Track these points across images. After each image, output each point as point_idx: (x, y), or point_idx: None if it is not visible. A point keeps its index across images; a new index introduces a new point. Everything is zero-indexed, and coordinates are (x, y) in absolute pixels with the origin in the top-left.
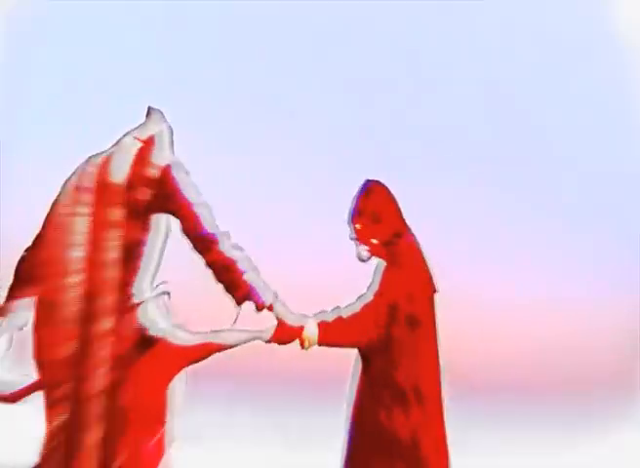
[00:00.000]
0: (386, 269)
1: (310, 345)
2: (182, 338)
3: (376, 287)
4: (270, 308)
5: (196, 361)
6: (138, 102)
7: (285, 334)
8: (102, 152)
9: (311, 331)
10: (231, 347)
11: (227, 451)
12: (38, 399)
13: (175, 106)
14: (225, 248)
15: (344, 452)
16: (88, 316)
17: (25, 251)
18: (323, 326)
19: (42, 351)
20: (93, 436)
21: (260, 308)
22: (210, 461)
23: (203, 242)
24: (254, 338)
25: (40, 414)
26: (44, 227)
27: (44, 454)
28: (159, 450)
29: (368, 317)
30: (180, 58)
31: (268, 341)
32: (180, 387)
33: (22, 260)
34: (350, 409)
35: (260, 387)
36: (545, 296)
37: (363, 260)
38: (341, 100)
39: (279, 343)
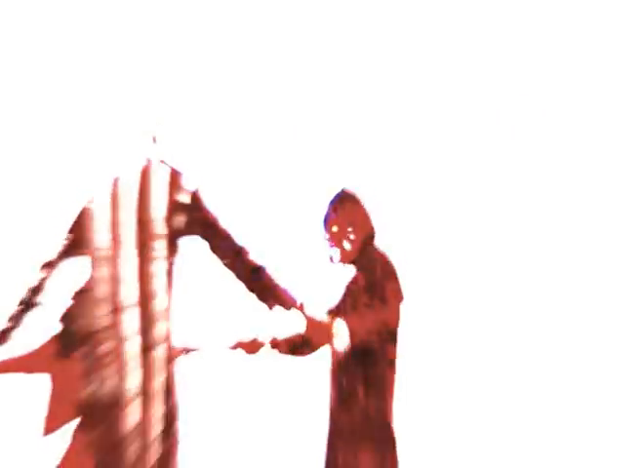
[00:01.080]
0: (386, 275)
1: (342, 340)
2: None
3: (374, 289)
4: (301, 307)
5: None
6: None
7: (319, 330)
8: (129, 178)
9: (341, 326)
10: (193, 351)
11: None
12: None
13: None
14: (253, 257)
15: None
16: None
17: (40, 270)
18: (348, 320)
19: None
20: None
21: (290, 307)
22: None
23: (236, 254)
24: (218, 347)
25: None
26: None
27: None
28: None
29: (388, 309)
30: None
31: (232, 348)
32: None
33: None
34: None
35: None
36: None
37: (334, 264)
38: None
39: (313, 339)
